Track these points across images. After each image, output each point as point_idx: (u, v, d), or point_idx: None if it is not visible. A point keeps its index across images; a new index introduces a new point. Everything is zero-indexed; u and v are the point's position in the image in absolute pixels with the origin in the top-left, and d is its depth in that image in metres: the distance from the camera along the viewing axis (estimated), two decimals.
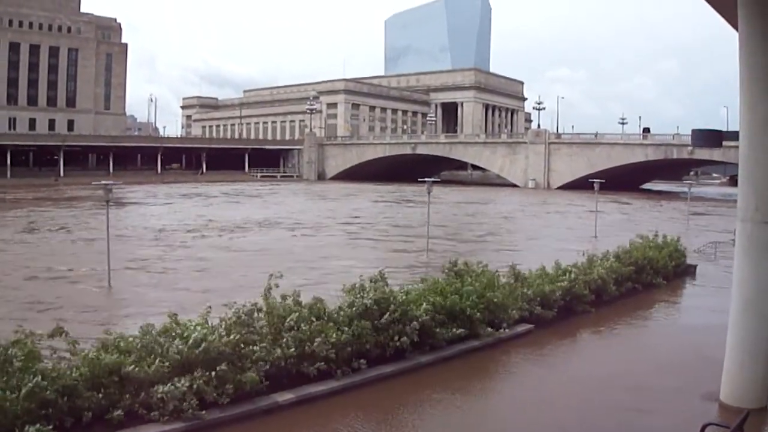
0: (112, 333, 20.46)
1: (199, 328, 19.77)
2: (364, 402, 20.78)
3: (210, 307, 21.47)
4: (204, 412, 18.18)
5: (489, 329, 26.43)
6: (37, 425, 15.95)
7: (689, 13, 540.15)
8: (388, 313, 23.05)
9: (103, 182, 41.03)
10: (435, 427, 19.91)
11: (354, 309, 23.10)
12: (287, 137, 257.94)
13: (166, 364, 18.52)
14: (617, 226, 74.75)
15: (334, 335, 21.58)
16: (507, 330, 27.38)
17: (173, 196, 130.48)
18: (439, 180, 76.14)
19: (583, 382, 23.18)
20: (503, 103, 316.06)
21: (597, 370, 24.61)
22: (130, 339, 19.62)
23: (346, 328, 22.25)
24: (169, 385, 17.91)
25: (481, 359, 25.21)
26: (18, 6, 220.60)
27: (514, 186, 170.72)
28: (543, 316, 29.64)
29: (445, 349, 24.78)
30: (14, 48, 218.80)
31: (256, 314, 21.44)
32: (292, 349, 20.77)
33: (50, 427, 16.26)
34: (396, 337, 23.17)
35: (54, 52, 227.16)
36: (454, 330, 25.12)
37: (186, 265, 49.14)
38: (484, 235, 70.74)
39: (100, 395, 17.50)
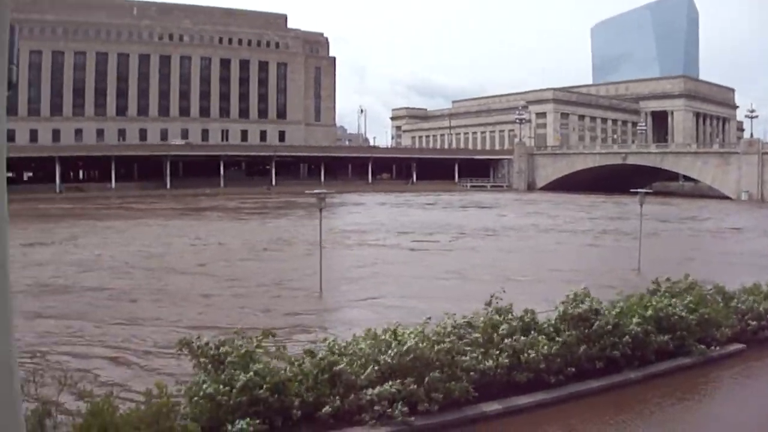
0: (326, 339, 21.00)
1: (413, 336, 20.02)
2: (571, 416, 20.50)
3: (429, 318, 21.77)
4: (413, 418, 18.42)
5: (700, 346, 25.52)
6: (247, 419, 16.62)
7: None
8: (597, 323, 22.74)
9: (316, 191, 42.48)
10: None
11: (565, 318, 23.00)
12: (496, 147, 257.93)
13: (376, 368, 18.84)
14: None
15: (545, 347, 21.47)
16: (717, 348, 26.21)
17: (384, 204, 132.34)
18: (651, 191, 73.53)
19: None
20: (714, 111, 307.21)
21: None
22: (342, 344, 20.12)
23: (558, 339, 22.11)
24: (379, 387, 18.22)
25: (691, 378, 24.19)
26: (227, 24, 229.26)
27: (727, 198, 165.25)
28: (757, 335, 28.27)
29: (655, 366, 24.01)
30: (225, 64, 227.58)
31: (470, 327, 21.65)
32: (506, 361, 20.78)
33: (259, 422, 16.88)
34: (607, 350, 22.84)
35: (263, 66, 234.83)
36: (663, 338, 24.39)
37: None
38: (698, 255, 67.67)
39: (310, 394, 17.95)
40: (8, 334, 3.48)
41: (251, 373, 17.22)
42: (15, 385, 3.61)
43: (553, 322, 23.15)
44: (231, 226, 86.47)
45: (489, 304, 22.87)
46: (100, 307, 36.96)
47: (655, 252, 51.64)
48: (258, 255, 59.41)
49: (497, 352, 20.97)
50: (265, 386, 17.30)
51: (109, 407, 16.55)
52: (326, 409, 17.85)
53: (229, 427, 16.69)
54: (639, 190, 52.90)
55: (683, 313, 25.25)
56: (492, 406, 20.04)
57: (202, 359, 18.52)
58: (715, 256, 60.87)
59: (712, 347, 25.87)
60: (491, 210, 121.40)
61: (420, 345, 19.55)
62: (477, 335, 21.45)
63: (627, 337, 23.09)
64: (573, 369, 22.00)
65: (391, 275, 48.93)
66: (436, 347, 19.71)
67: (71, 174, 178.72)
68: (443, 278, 47.06)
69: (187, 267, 51.88)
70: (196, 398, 17.23)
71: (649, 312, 24.51)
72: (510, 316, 22.75)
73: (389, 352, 19.33)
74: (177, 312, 35.96)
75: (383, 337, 20.39)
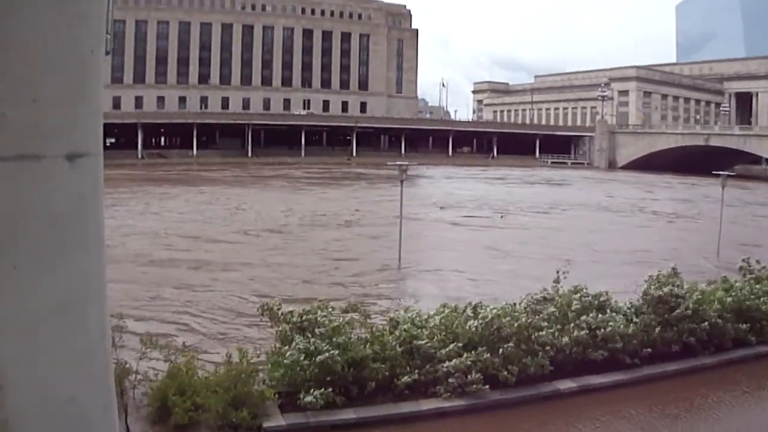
0: (408, 310, 21.23)
1: (494, 311, 20.11)
2: (644, 398, 20.43)
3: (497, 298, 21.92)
4: (487, 387, 18.55)
5: None
6: (322, 390, 16.95)
7: None
8: (679, 309, 22.48)
9: (398, 163, 42.73)
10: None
11: (646, 299, 22.84)
12: (578, 123, 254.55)
13: (457, 344, 19.03)
14: None
15: (622, 326, 21.35)
16: None
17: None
18: (732, 174, 70.78)
19: None
20: None
21: None
22: (425, 316, 20.35)
23: (635, 318, 22.00)
24: (455, 360, 18.41)
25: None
26: None
27: None
28: None
29: (731, 352, 23.73)
30: (307, 34, 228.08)
31: (547, 303, 21.69)
32: (584, 332, 20.72)
33: (333, 392, 17.19)
34: (684, 335, 22.59)
35: (346, 37, 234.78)
36: (742, 327, 23.99)
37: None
38: None
39: (385, 366, 18.22)
40: (103, 297, 3.60)
41: (336, 351, 17.58)
42: (107, 346, 3.74)
43: (631, 303, 23.06)
44: (284, 197, 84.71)
45: (557, 281, 22.85)
46: (148, 273, 37.36)
47: (723, 237, 50.14)
48: (300, 228, 58.42)
49: (572, 326, 20.97)
50: (343, 360, 17.63)
51: (189, 370, 16.92)
52: (404, 378, 18.13)
53: (303, 395, 17.05)
54: (721, 172, 51.98)
55: (763, 299, 24.83)
56: (566, 384, 20.07)
57: (283, 326, 18.88)
58: None
59: None
60: (559, 187, 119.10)
61: (503, 319, 19.69)
62: (553, 309, 21.49)
63: (705, 323, 22.82)
64: (649, 350, 21.86)
65: (429, 250, 49.34)
66: (516, 323, 19.81)
67: (153, 141, 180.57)
68: (482, 255, 46.78)
69: (227, 236, 51.98)
70: (276, 366, 17.62)
71: (729, 299, 24.17)
72: (584, 293, 22.71)
73: (469, 323, 19.53)
74: (226, 279, 36.73)
75: (464, 311, 20.62)
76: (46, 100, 3.06)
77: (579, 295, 22.49)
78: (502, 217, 68.41)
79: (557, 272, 23.03)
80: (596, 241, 53.63)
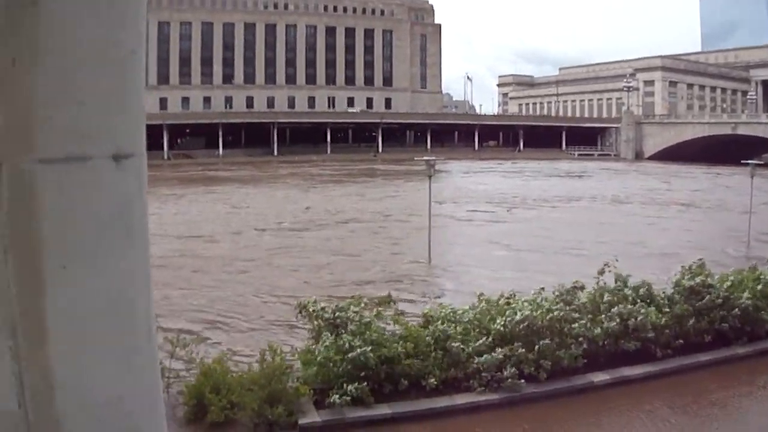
0: (443, 306, 21.22)
1: (526, 305, 20.12)
2: (678, 389, 20.39)
3: (543, 288, 21.85)
4: (522, 381, 18.59)
5: None
6: (355, 384, 17.02)
7: None
8: (708, 296, 22.42)
9: (425, 158, 42.59)
10: (748, 428, 19.28)
11: (678, 289, 22.80)
12: (603, 115, 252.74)
13: (490, 339, 19.05)
14: None
15: (654, 317, 21.30)
16: None
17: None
18: (761, 163, 69.16)
19: None
20: None
21: None
22: (460, 311, 20.37)
23: (668, 310, 21.93)
24: (486, 355, 18.44)
25: None
26: None
27: None
28: None
29: (765, 341, 23.61)
30: (330, 32, 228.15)
31: (579, 293, 21.66)
32: (614, 323, 20.69)
33: (367, 387, 17.29)
34: (716, 323, 22.50)
35: (369, 34, 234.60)
36: None
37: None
38: None
39: (417, 361, 18.32)
40: (150, 295, 3.62)
41: (368, 348, 17.63)
42: (154, 345, 3.77)
43: (665, 294, 23.01)
44: (295, 195, 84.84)
45: (601, 273, 22.87)
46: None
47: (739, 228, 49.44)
48: (308, 225, 57.72)
49: (603, 317, 20.94)
50: (375, 356, 17.71)
51: (222, 368, 17.02)
52: (432, 380, 18.23)
53: (337, 390, 17.16)
54: (749, 161, 51.58)
55: None
56: (599, 377, 20.06)
57: (316, 322, 19.00)
58: None
59: None
60: (579, 179, 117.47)
61: (534, 313, 19.69)
62: (585, 301, 21.47)
63: (736, 310, 22.73)
64: (681, 341, 21.80)
65: (438, 245, 48.02)
66: (548, 315, 19.81)
67: (178, 141, 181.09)
68: (493, 249, 46.56)
69: (225, 236, 51.96)
70: (308, 363, 17.75)
71: (760, 286, 24.08)
72: (621, 285, 22.69)
73: (499, 320, 19.55)
74: (232, 280, 36.71)
75: (498, 303, 20.67)
76: (91, 101, 3.09)
77: (617, 284, 22.51)
78: (509, 210, 68.30)
79: (605, 265, 23.11)
80: (607, 233, 52.63)
